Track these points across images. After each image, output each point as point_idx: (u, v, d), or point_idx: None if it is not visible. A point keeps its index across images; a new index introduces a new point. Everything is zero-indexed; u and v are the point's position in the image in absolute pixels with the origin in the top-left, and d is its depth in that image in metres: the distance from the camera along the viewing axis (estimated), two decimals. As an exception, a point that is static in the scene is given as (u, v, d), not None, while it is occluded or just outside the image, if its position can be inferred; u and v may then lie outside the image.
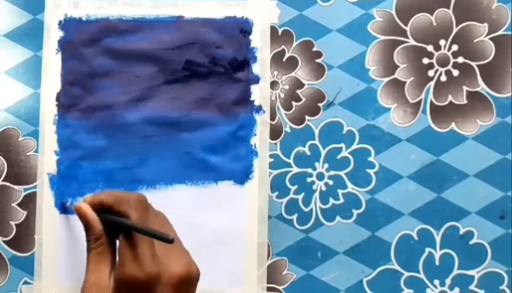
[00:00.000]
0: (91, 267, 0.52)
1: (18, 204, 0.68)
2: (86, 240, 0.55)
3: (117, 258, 0.52)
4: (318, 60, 0.68)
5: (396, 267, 0.67)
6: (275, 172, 0.68)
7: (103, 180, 0.67)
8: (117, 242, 0.55)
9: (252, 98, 0.68)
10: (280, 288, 0.67)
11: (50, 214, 0.67)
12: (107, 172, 0.68)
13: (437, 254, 0.67)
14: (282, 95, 0.68)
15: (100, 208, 0.55)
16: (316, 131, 0.68)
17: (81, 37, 0.69)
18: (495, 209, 0.67)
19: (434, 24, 0.68)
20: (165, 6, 0.69)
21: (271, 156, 0.68)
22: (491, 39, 0.68)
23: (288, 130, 0.68)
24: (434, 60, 0.68)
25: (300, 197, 0.68)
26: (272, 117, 0.68)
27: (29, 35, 0.69)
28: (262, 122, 0.68)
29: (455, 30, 0.68)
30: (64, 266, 0.67)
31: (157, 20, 0.69)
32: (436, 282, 0.67)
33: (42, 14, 0.69)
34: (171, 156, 0.68)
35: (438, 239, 0.67)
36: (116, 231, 0.54)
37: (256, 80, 0.68)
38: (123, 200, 0.52)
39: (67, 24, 0.69)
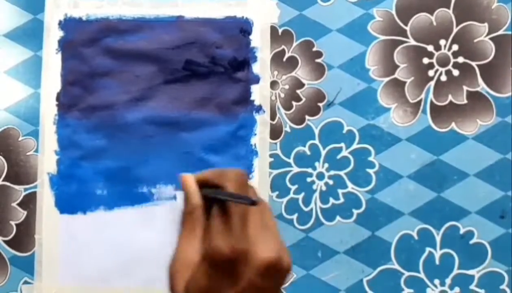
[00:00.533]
0: (181, 241, 0.50)
1: (18, 204, 0.68)
2: (182, 212, 0.52)
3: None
4: (318, 60, 0.68)
5: (396, 266, 0.67)
6: (275, 171, 0.68)
7: (103, 180, 0.67)
8: None
9: (252, 98, 0.68)
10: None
11: (50, 214, 0.67)
12: (107, 171, 0.68)
13: (437, 254, 0.67)
14: (282, 95, 0.68)
15: (204, 185, 0.51)
16: (316, 131, 0.68)
17: (81, 37, 0.69)
18: (495, 208, 0.67)
19: (434, 24, 0.68)
20: (165, 6, 0.69)
21: (271, 155, 0.68)
22: (491, 39, 0.68)
23: (288, 129, 0.68)
24: (434, 60, 0.68)
25: (300, 197, 0.68)
26: (272, 117, 0.68)
27: (29, 35, 0.69)
28: (262, 122, 0.68)
29: (455, 30, 0.68)
30: (64, 266, 0.67)
31: (157, 20, 0.69)
32: (436, 281, 0.67)
33: (42, 14, 0.69)
34: (171, 156, 0.67)
35: (438, 238, 0.67)
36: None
37: (256, 80, 0.68)
38: (222, 173, 0.49)
39: (67, 24, 0.69)
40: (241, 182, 0.48)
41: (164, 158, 0.67)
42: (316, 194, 0.68)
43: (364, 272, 0.67)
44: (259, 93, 0.68)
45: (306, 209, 0.67)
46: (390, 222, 0.67)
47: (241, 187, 0.48)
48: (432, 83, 0.68)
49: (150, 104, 0.68)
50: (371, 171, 0.68)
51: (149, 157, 0.68)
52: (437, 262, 0.67)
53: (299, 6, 0.69)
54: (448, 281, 0.66)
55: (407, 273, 0.67)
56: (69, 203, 0.67)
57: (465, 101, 0.68)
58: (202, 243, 0.48)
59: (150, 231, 0.67)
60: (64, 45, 0.69)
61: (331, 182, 0.68)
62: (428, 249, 0.67)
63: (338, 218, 0.67)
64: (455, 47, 0.68)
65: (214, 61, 0.68)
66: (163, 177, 0.67)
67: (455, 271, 0.67)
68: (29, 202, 0.68)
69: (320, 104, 0.68)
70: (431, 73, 0.68)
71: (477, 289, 0.66)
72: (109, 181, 0.67)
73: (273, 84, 0.68)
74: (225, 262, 0.45)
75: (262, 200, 0.49)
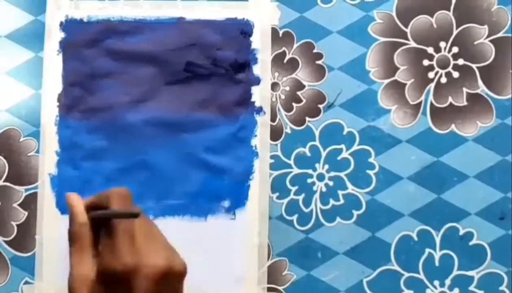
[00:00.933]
0: (74, 260, 0.52)
1: (19, 205, 0.68)
2: (67, 232, 0.54)
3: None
4: (319, 62, 0.69)
5: (396, 267, 0.67)
6: (275, 173, 0.68)
7: (104, 181, 0.67)
8: None
9: (252, 99, 0.68)
10: (280, 288, 0.67)
11: (51, 214, 0.67)
12: (107, 172, 0.68)
13: (437, 255, 0.67)
14: (283, 97, 0.68)
15: (92, 208, 0.54)
16: (317, 132, 0.68)
17: (82, 38, 0.69)
18: (494, 210, 0.67)
19: (434, 26, 0.68)
20: (165, 7, 0.69)
21: (271, 157, 0.68)
22: (491, 41, 0.68)
23: (288, 131, 0.68)
24: (434, 62, 0.68)
25: (300, 198, 0.68)
26: (273, 118, 0.68)
27: (30, 36, 0.69)
28: (263, 123, 0.68)
29: (455, 32, 0.68)
30: (64, 266, 0.67)
31: (158, 21, 0.69)
32: (436, 282, 0.67)
33: (43, 15, 0.69)
34: (172, 157, 0.68)
35: (438, 240, 0.67)
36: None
37: (257, 81, 0.68)
38: (105, 194, 0.51)
39: (68, 25, 0.69)
40: (124, 198, 0.50)
41: (165, 159, 0.68)
42: (316, 195, 0.68)
43: (364, 273, 0.67)
44: (260, 95, 0.68)
45: (306, 210, 0.68)
46: (390, 223, 0.67)
47: (125, 201, 0.50)
48: (432, 85, 0.68)
49: (151, 106, 0.68)
50: (371, 172, 0.68)
51: (149, 158, 0.68)
52: (436, 263, 0.67)
53: (299, 8, 0.69)
54: (447, 282, 0.67)
55: (407, 274, 0.67)
56: (70, 204, 0.67)
57: (465, 103, 0.68)
58: (94, 259, 0.50)
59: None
60: (65, 46, 0.69)
61: (331, 183, 0.68)
62: (427, 250, 0.67)
63: (338, 219, 0.68)
64: (455, 49, 0.68)
65: (215, 63, 0.68)
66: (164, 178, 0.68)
67: (455, 272, 0.67)
68: (30, 202, 0.68)
69: (321, 106, 0.68)
70: (431, 75, 0.68)
71: (476, 290, 0.66)
72: (110, 182, 0.67)
73: (274, 86, 0.69)
74: (119, 278, 0.47)
75: (142, 212, 0.51)
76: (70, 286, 0.51)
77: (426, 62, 0.68)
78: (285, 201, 0.68)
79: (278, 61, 0.69)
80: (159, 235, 0.52)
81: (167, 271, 0.47)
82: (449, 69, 0.68)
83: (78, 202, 0.53)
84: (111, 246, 0.48)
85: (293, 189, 0.68)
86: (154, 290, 0.47)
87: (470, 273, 0.67)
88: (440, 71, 0.68)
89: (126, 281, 0.47)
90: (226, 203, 0.67)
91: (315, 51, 0.69)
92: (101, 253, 0.49)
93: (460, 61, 0.68)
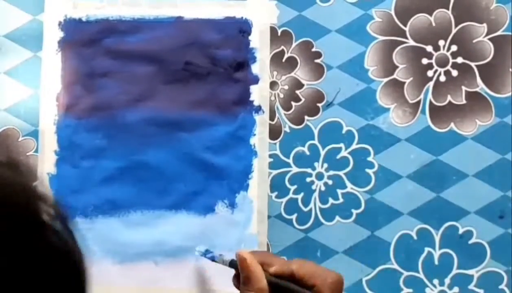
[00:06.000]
0: None
1: (18, 204, 0.68)
2: (243, 289, 0.54)
3: None
4: (318, 61, 0.69)
5: (396, 266, 0.67)
6: (274, 172, 0.68)
7: (103, 180, 0.67)
8: None
9: (251, 98, 0.68)
10: (279, 287, 0.67)
11: (50, 214, 0.67)
12: (107, 171, 0.68)
13: (436, 254, 0.67)
14: (282, 95, 0.68)
15: (289, 277, 0.54)
16: (316, 131, 0.68)
17: (80, 38, 0.69)
18: (494, 208, 0.67)
19: (433, 24, 0.68)
20: (164, 7, 0.69)
21: (270, 156, 0.68)
22: (490, 39, 0.68)
23: (287, 130, 0.68)
24: (433, 61, 0.68)
25: (299, 197, 0.68)
26: (272, 117, 0.68)
27: (29, 35, 0.69)
28: (262, 122, 0.68)
29: (454, 30, 0.68)
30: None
31: (156, 20, 0.69)
32: (435, 281, 0.67)
33: (42, 14, 0.69)
34: (171, 156, 0.68)
35: (437, 238, 0.67)
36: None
37: (256, 80, 0.68)
38: (318, 276, 0.53)
39: (67, 25, 0.69)
40: (337, 291, 0.52)
41: (164, 158, 0.68)
42: (316, 194, 0.68)
43: (363, 272, 0.67)
44: (259, 94, 0.68)
45: (305, 209, 0.68)
46: (389, 222, 0.67)
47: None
48: (431, 84, 0.68)
49: (149, 105, 0.68)
50: (370, 171, 0.68)
51: (148, 157, 0.68)
52: (436, 262, 0.67)
53: (298, 6, 0.69)
54: (447, 281, 0.67)
55: (406, 273, 0.67)
56: (69, 203, 0.67)
57: (464, 102, 0.68)
58: None
59: (150, 231, 0.67)
60: (64, 46, 0.69)
61: (330, 182, 0.68)
62: (427, 249, 0.67)
63: (337, 218, 0.67)
64: (454, 48, 0.68)
65: (213, 62, 0.68)
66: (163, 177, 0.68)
67: (454, 271, 0.67)
68: (29, 202, 0.68)
69: (319, 105, 0.68)
70: (430, 73, 0.68)
71: (476, 289, 0.66)
72: (109, 181, 0.68)
73: (273, 85, 0.68)
74: None
75: None
76: None
77: (425, 61, 0.68)
78: (284, 200, 0.68)
79: (276, 60, 0.69)
80: None
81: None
82: (448, 67, 0.68)
83: (255, 264, 0.54)
84: None
85: (292, 188, 0.68)
86: None
87: (469, 272, 0.67)
88: (439, 69, 0.68)
89: None
90: (225, 202, 0.67)
91: (313, 49, 0.69)
92: None
93: (459, 60, 0.68)
